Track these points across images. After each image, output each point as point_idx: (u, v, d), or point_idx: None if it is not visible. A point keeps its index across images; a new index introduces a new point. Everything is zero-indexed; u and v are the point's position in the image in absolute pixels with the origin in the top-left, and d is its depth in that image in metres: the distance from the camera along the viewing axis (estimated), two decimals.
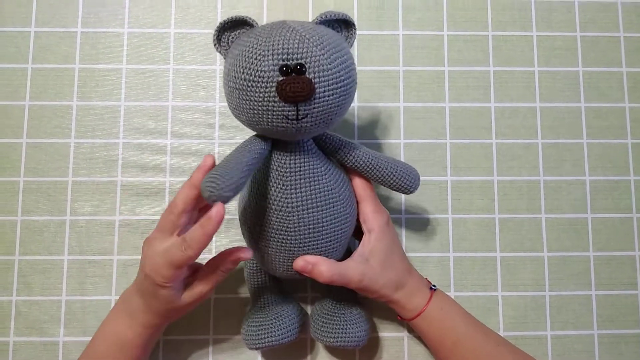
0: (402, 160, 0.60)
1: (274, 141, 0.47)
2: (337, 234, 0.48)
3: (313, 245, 0.47)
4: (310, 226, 0.46)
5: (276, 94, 0.40)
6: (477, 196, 0.61)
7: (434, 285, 0.53)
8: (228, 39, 0.45)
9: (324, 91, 0.41)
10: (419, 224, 0.60)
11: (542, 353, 0.58)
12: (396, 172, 0.50)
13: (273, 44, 0.41)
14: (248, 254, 0.47)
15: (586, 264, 0.60)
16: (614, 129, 0.63)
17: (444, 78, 0.63)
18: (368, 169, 0.50)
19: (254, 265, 0.54)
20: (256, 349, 0.51)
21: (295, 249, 0.47)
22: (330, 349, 0.57)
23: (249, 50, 0.41)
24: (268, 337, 0.50)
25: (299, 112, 0.41)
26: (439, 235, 0.60)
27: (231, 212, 0.56)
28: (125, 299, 0.50)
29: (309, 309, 0.58)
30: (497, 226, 0.60)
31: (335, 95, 0.42)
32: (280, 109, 0.41)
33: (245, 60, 0.41)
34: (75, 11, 0.62)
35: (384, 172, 0.50)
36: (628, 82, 0.63)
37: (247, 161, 0.44)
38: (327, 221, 0.47)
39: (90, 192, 0.59)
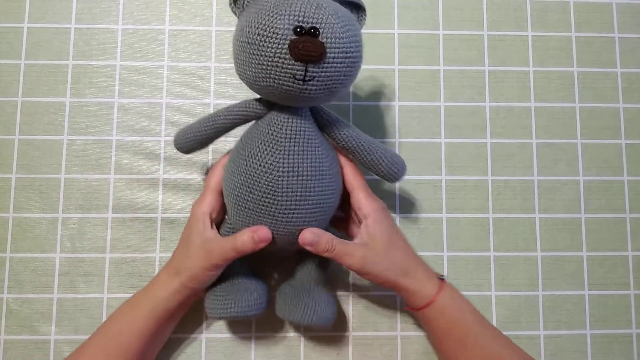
0: None
1: (272, 106, 0.48)
2: (322, 206, 0.48)
3: (297, 214, 0.47)
4: (298, 193, 0.46)
5: (288, 51, 0.41)
6: (471, 195, 0.61)
7: (443, 275, 0.53)
8: (243, 3, 0.46)
9: (334, 57, 0.42)
10: (412, 222, 0.60)
11: (535, 353, 0.58)
12: (385, 158, 0.50)
13: (290, 6, 0.42)
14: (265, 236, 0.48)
15: (579, 264, 0.60)
16: (608, 129, 0.63)
17: (439, 77, 0.63)
18: (359, 151, 0.50)
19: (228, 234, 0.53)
20: (219, 318, 0.52)
21: (280, 216, 0.47)
22: (322, 347, 0.57)
23: (266, 8, 0.42)
24: (234, 307, 0.49)
25: (306, 73, 0.42)
26: (433, 234, 0.60)
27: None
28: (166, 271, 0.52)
29: None
30: (491, 226, 0.60)
31: (343, 64, 0.43)
32: (289, 66, 0.42)
33: (261, 17, 0.42)
34: (68, 7, 0.62)
35: (374, 156, 0.50)
36: (622, 82, 0.64)
37: (216, 120, 0.50)
38: (314, 191, 0.47)
39: (83, 190, 0.59)
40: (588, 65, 0.64)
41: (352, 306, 0.58)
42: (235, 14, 0.47)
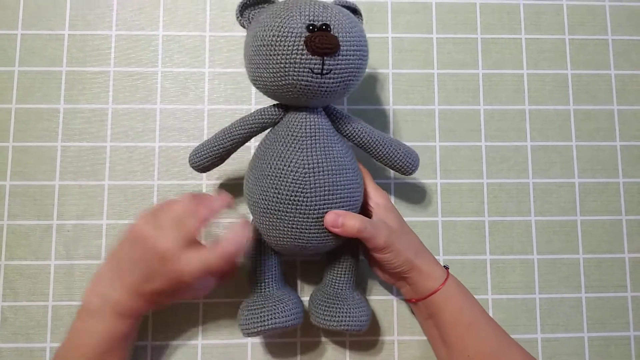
0: None
1: (287, 110, 0.49)
2: (349, 202, 0.49)
3: (327, 209, 0.47)
4: (326, 189, 0.47)
5: (304, 47, 0.43)
6: (466, 199, 0.61)
7: (446, 265, 0.54)
8: (249, 14, 0.49)
9: (347, 50, 0.44)
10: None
11: (533, 356, 0.58)
12: (399, 150, 0.52)
13: (300, 8, 0.44)
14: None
15: (576, 267, 0.60)
16: (602, 131, 0.63)
17: (433, 81, 0.63)
18: (373, 145, 0.52)
19: (255, 250, 0.53)
20: (257, 333, 0.49)
21: (310, 213, 0.47)
22: (319, 352, 0.57)
23: (277, 13, 0.45)
24: (271, 319, 0.49)
25: (324, 66, 0.44)
26: (429, 238, 0.60)
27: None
28: (96, 295, 0.48)
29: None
30: (486, 229, 0.60)
31: (355, 57, 0.45)
32: (307, 61, 0.43)
33: (274, 20, 0.44)
34: (62, 14, 0.62)
35: (388, 149, 0.52)
36: (616, 84, 0.64)
37: (232, 132, 0.51)
38: (341, 185, 0.48)
39: (77, 196, 0.59)
40: (582, 68, 0.64)
41: None
42: (243, 26, 0.49)
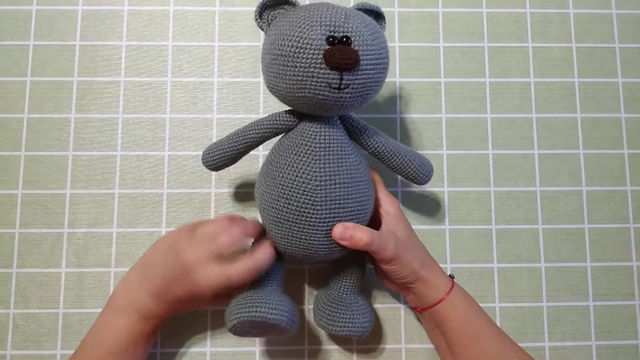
0: None
1: (302, 117, 0.49)
2: (360, 214, 0.49)
3: (336, 222, 0.48)
4: (337, 202, 0.47)
5: (323, 61, 0.42)
6: (474, 207, 0.61)
7: (452, 275, 0.54)
8: (269, 16, 0.47)
9: (367, 64, 0.43)
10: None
11: None
12: (414, 161, 0.52)
13: (321, 17, 0.43)
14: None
15: (584, 275, 0.60)
16: (610, 139, 0.63)
17: (440, 89, 0.63)
18: (388, 156, 0.52)
19: None
20: (238, 323, 0.46)
21: (320, 225, 0.47)
22: (329, 357, 0.57)
23: (297, 21, 0.43)
24: (253, 309, 0.45)
25: (342, 81, 0.43)
26: (436, 246, 0.60)
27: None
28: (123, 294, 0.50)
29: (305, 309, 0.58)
30: (494, 237, 0.61)
31: (375, 71, 0.44)
32: (325, 75, 0.42)
33: (293, 29, 0.43)
34: (73, 25, 0.63)
35: (403, 160, 0.52)
36: (624, 92, 0.64)
37: (246, 134, 0.51)
38: (352, 198, 0.48)
39: (88, 205, 0.59)
40: (589, 76, 0.64)
41: None
42: (262, 29, 0.47)
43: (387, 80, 0.63)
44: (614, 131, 0.63)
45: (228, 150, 0.52)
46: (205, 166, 0.54)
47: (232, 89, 0.62)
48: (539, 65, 0.64)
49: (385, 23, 0.51)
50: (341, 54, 0.41)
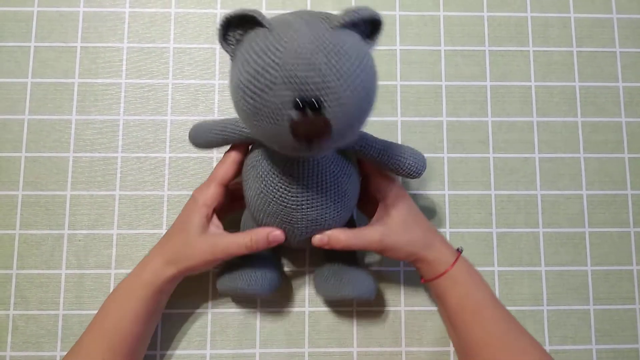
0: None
1: None
2: (341, 216, 0.49)
3: (316, 227, 0.48)
4: (314, 221, 0.47)
5: (290, 130, 0.37)
6: (474, 210, 0.61)
7: (460, 248, 0.53)
8: (235, 36, 0.40)
9: (342, 127, 0.38)
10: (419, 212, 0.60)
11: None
12: (405, 154, 0.49)
13: (285, 69, 0.36)
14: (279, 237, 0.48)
15: (584, 279, 0.60)
16: (611, 143, 0.63)
17: (441, 93, 0.63)
18: (380, 156, 0.49)
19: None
20: (226, 293, 0.54)
21: (299, 235, 0.48)
22: (329, 359, 0.57)
23: (258, 72, 0.36)
24: (242, 283, 0.51)
25: (312, 145, 0.38)
26: None
27: None
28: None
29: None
30: (494, 240, 0.61)
31: (354, 128, 0.41)
32: (291, 141, 0.38)
33: (253, 85, 0.37)
34: (75, 26, 0.63)
35: (395, 157, 0.49)
36: (625, 96, 0.64)
37: (225, 128, 0.49)
38: (331, 216, 0.47)
39: (89, 206, 0.59)
40: (590, 80, 0.64)
41: (356, 322, 0.58)
42: (228, 53, 0.40)
43: (388, 83, 0.63)
44: (615, 135, 0.63)
45: (209, 135, 0.50)
46: (191, 143, 0.53)
47: None
48: (540, 69, 0.64)
49: (379, 34, 0.41)
50: (308, 128, 0.36)
